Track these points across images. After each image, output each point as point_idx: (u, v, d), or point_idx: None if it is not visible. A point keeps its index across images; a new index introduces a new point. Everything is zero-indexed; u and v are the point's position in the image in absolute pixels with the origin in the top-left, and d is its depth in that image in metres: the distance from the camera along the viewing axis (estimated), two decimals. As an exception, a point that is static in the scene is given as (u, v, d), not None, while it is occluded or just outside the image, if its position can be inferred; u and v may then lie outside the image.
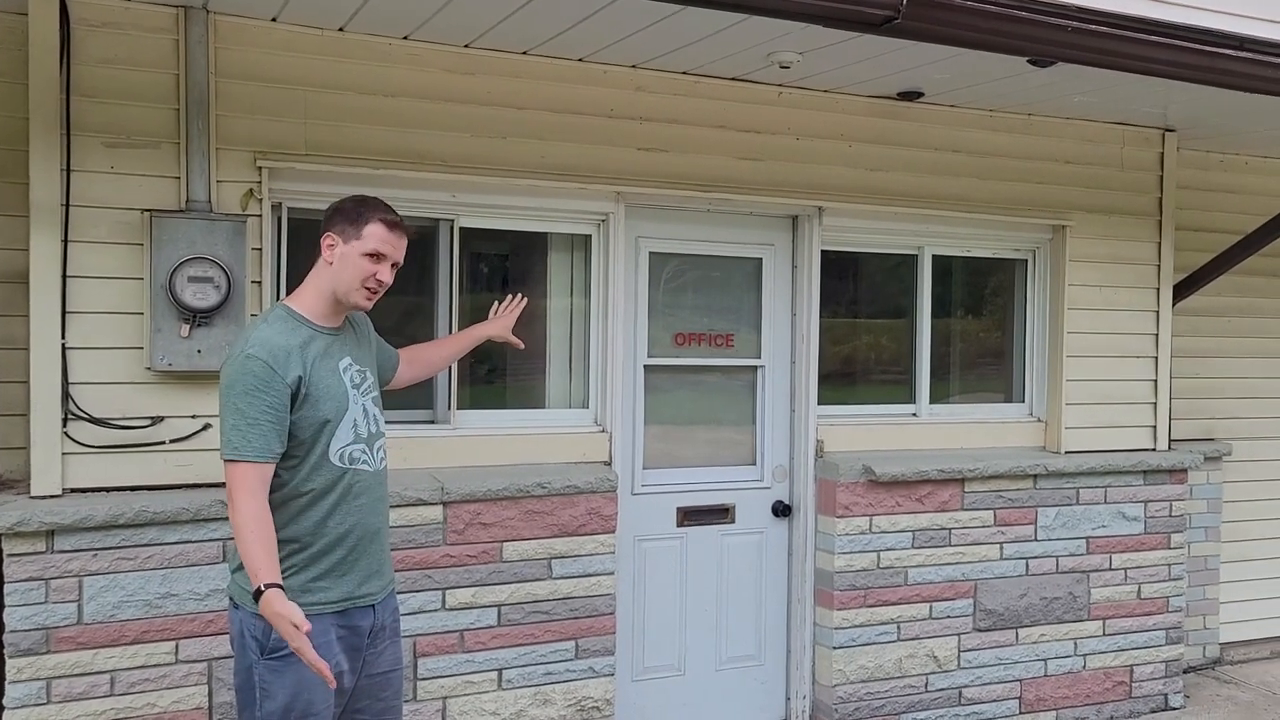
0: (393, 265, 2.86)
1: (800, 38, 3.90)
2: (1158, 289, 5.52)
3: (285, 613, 2.58)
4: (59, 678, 3.51)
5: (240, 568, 2.78)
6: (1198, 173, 5.92)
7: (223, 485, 2.78)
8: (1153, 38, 3.88)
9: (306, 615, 2.72)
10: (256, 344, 2.72)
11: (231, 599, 2.85)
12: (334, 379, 2.84)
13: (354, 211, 2.84)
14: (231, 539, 2.85)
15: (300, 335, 2.79)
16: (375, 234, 2.81)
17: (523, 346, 3.74)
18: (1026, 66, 4.21)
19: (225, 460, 2.70)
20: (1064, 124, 5.27)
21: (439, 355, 3.50)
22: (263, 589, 2.64)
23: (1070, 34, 3.75)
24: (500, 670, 4.14)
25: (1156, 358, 5.52)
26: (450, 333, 4.26)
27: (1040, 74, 4.32)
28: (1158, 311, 5.52)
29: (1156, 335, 5.52)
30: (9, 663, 3.48)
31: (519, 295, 3.67)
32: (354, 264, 2.80)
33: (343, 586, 2.85)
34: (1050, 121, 5.23)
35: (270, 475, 2.73)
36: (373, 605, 2.92)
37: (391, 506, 3.88)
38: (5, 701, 3.48)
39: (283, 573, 2.75)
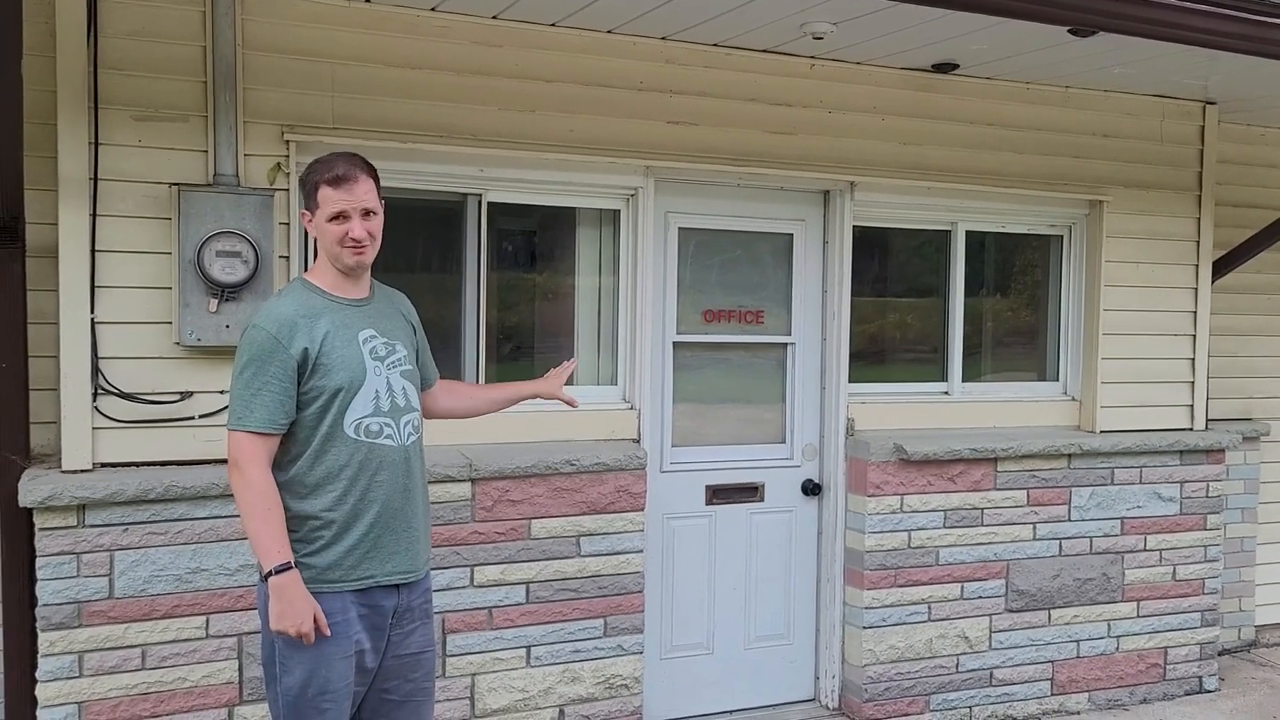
0: (364, 214, 2.79)
1: (834, 7, 3.82)
2: (1196, 266, 5.42)
3: (306, 608, 2.66)
4: (90, 652, 3.53)
5: None
6: (1238, 147, 5.79)
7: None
8: (1198, 5, 3.78)
9: (327, 591, 2.74)
10: (263, 316, 2.74)
11: (259, 573, 2.80)
12: (350, 349, 2.79)
13: (308, 182, 2.84)
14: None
15: (312, 306, 2.78)
16: (326, 197, 2.79)
17: (577, 405, 3.45)
18: (1066, 37, 4.11)
19: (229, 430, 2.71)
20: (1102, 97, 5.16)
21: (484, 396, 3.35)
22: (275, 571, 2.64)
23: (1113, 1, 3.66)
24: (529, 648, 4.13)
25: (1194, 336, 5.42)
26: (479, 311, 4.23)
27: (1080, 44, 4.22)
28: (1196, 289, 5.42)
29: (1195, 313, 5.42)
30: (41, 636, 3.49)
31: (574, 360, 3.45)
32: (324, 231, 2.81)
33: (365, 567, 2.79)
34: (1088, 94, 5.12)
35: (274, 448, 2.72)
36: (397, 586, 2.85)
37: (420, 483, 3.89)
38: (38, 675, 3.50)
39: (304, 551, 2.73)
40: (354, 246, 2.79)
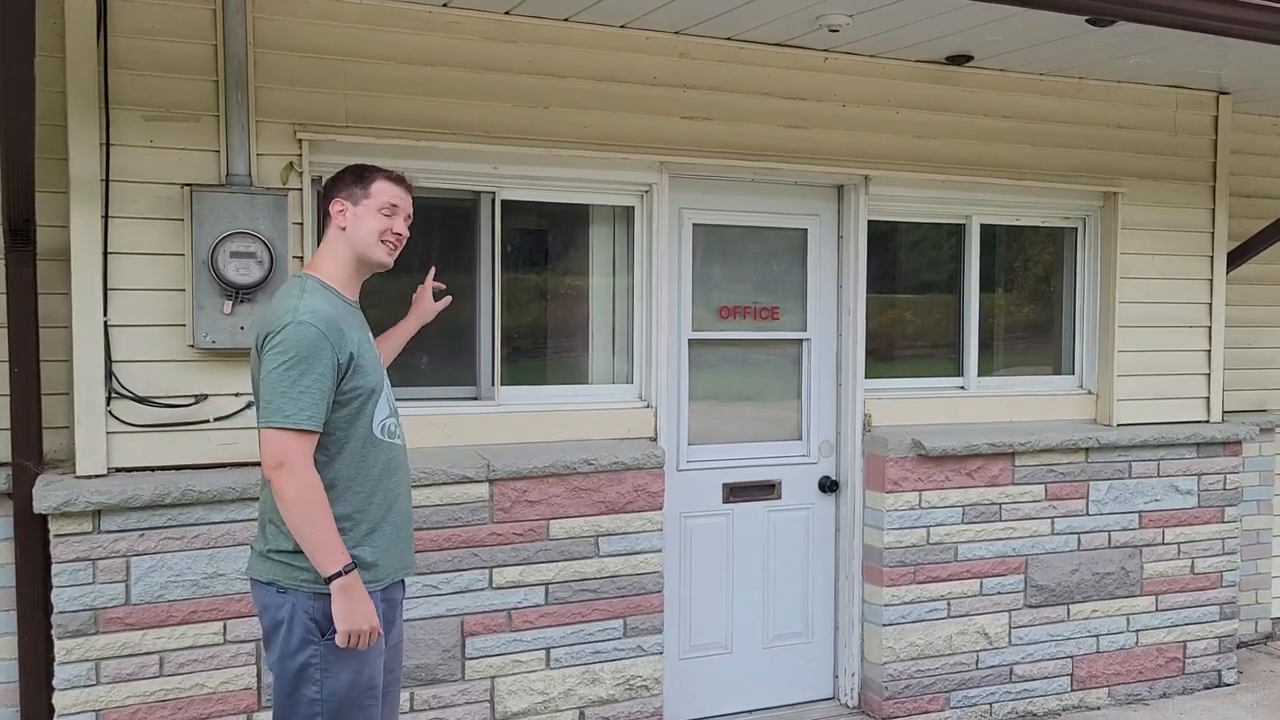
0: (405, 218, 2.90)
1: (852, -2, 3.79)
2: (1211, 257, 5.39)
3: (371, 606, 2.67)
4: (108, 659, 3.48)
5: (292, 550, 2.69)
6: (1251, 137, 5.76)
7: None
8: (1218, -7, 3.75)
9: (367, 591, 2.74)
10: (308, 312, 2.67)
11: (275, 583, 2.74)
12: (372, 351, 2.85)
13: (357, 174, 2.88)
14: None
15: (338, 306, 2.78)
16: (384, 189, 2.85)
17: (450, 300, 3.49)
18: (1084, 27, 4.07)
19: (273, 428, 2.60)
20: (1116, 88, 5.12)
21: (384, 352, 3.26)
22: (343, 571, 2.63)
23: (1134, -10, 3.63)
24: (548, 649, 4.08)
25: (1210, 327, 5.39)
26: (493, 310, 4.20)
27: (1097, 35, 4.18)
28: (1211, 280, 5.39)
29: (1210, 304, 5.39)
30: (57, 644, 3.45)
31: (430, 268, 3.53)
32: (369, 220, 2.82)
33: (390, 565, 2.84)
34: (1102, 85, 5.09)
35: (315, 447, 2.67)
36: (403, 581, 2.95)
37: (438, 484, 3.87)
38: (55, 683, 3.45)
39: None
40: (394, 241, 2.87)
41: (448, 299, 3.50)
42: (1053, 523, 4.98)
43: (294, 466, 2.60)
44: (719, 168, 4.46)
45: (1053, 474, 4.96)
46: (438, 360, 4.20)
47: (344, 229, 2.83)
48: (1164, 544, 5.22)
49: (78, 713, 3.45)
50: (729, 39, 4.36)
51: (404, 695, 3.80)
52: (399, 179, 2.90)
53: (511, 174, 4.15)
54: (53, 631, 3.46)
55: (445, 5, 3.93)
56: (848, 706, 4.84)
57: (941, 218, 5.03)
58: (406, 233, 2.92)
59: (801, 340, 4.81)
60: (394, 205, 2.85)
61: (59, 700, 3.45)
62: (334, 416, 2.70)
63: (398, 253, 2.90)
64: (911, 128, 4.75)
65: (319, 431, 2.66)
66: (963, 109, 4.84)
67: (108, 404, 3.56)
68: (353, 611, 2.63)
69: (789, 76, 4.50)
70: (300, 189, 3.76)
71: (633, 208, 4.43)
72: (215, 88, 3.65)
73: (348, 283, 2.86)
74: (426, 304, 3.44)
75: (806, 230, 4.78)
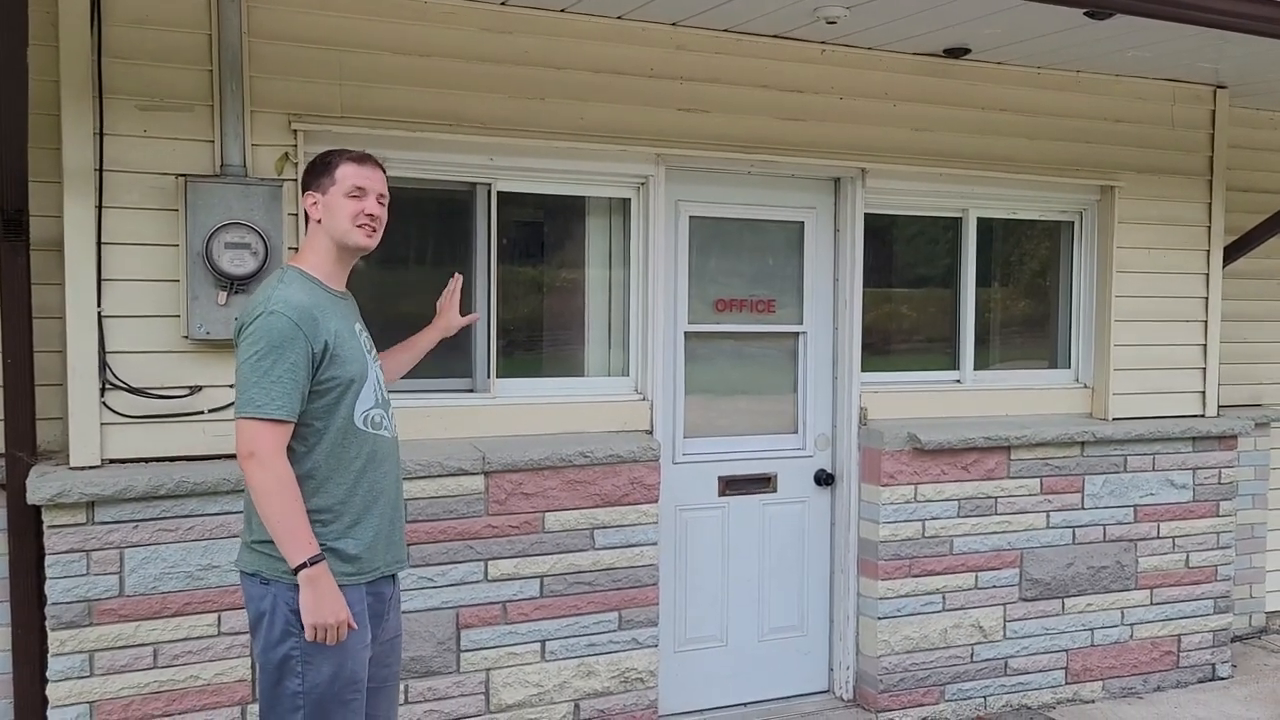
0: (378, 198, 2.84)
1: (849, -9, 3.77)
2: (1208, 251, 5.39)
3: (341, 597, 2.65)
4: (101, 650, 3.47)
5: (267, 540, 2.69)
6: (1248, 131, 5.76)
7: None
8: (1217, -14, 3.74)
9: (347, 584, 2.74)
10: (280, 302, 2.67)
11: (258, 575, 2.74)
12: (353, 341, 2.82)
13: (322, 164, 2.85)
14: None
15: (318, 296, 2.76)
16: (348, 173, 2.81)
17: (479, 318, 3.53)
18: (1081, 19, 4.06)
19: (245, 418, 2.61)
20: (1113, 81, 5.11)
21: (394, 361, 3.26)
22: (309, 563, 2.62)
23: (1132, -17, 3.62)
24: (544, 642, 4.08)
25: (1206, 322, 5.39)
26: (489, 303, 4.18)
27: (1095, 27, 4.17)
28: (1208, 274, 5.39)
29: (1206, 299, 5.39)
30: (51, 635, 3.44)
31: (455, 275, 3.45)
32: (339, 206, 2.79)
33: (377, 559, 2.83)
34: (1099, 79, 5.08)
35: (289, 437, 2.66)
36: (393, 575, 2.91)
37: (433, 477, 3.87)
38: (48, 674, 3.45)
39: (322, 545, 2.70)
40: (368, 224, 2.81)
41: (475, 316, 3.53)
42: (1048, 516, 4.98)
43: (263, 456, 2.60)
44: (716, 160, 4.44)
45: (1048, 468, 4.96)
46: (433, 352, 4.16)
47: (319, 221, 2.82)
48: (1159, 538, 5.23)
49: (72, 704, 3.45)
50: (726, 31, 4.35)
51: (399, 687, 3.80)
52: (363, 158, 2.84)
53: (508, 166, 4.14)
54: (46, 623, 3.45)
55: (441, -5, 3.92)
56: (843, 699, 4.85)
57: (938, 211, 5.03)
58: (382, 212, 2.84)
59: (798, 333, 4.80)
60: (360, 187, 2.79)
61: (53, 692, 3.44)
62: (311, 406, 2.69)
63: (378, 234, 2.85)
64: (908, 120, 4.74)
65: (292, 421, 2.65)
66: (960, 102, 4.83)
67: (102, 395, 3.54)
68: (319, 604, 2.61)
69: (786, 69, 4.49)
70: (295, 179, 3.73)
71: (629, 200, 4.42)
72: (210, 77, 3.63)
73: (331, 273, 2.84)
74: (452, 318, 3.38)
75: (803, 223, 4.77)
